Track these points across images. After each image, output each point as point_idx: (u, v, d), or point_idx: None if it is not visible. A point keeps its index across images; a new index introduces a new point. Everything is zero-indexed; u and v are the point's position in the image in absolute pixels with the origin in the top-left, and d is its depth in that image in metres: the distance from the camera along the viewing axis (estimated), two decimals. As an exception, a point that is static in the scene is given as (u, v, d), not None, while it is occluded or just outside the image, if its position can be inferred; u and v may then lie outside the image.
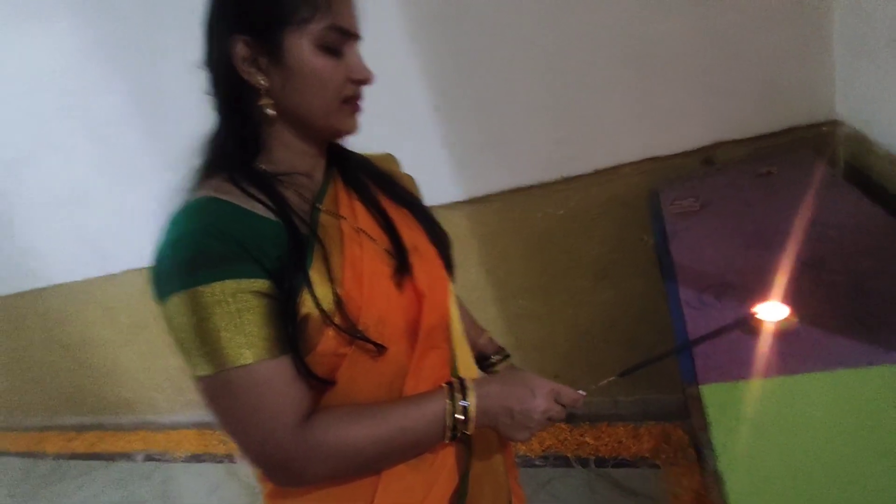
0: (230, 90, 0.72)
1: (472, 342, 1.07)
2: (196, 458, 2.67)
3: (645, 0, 1.44)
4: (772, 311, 0.86)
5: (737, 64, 1.45)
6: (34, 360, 3.17)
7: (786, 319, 0.84)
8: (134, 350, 2.78)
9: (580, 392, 0.77)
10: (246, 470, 2.45)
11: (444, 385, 0.73)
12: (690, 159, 1.57)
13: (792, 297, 0.91)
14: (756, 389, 0.81)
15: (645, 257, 1.71)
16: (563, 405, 0.76)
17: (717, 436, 0.86)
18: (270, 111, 0.71)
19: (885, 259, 0.93)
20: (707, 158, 1.56)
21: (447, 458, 0.79)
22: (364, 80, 0.73)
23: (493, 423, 0.73)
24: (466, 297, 1.97)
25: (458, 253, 1.96)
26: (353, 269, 0.71)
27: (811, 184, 1.26)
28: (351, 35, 0.71)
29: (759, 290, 0.95)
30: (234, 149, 0.73)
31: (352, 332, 0.68)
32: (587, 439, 1.96)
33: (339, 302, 0.68)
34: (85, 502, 2.65)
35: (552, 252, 1.80)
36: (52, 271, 2.73)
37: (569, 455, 1.93)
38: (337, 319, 0.67)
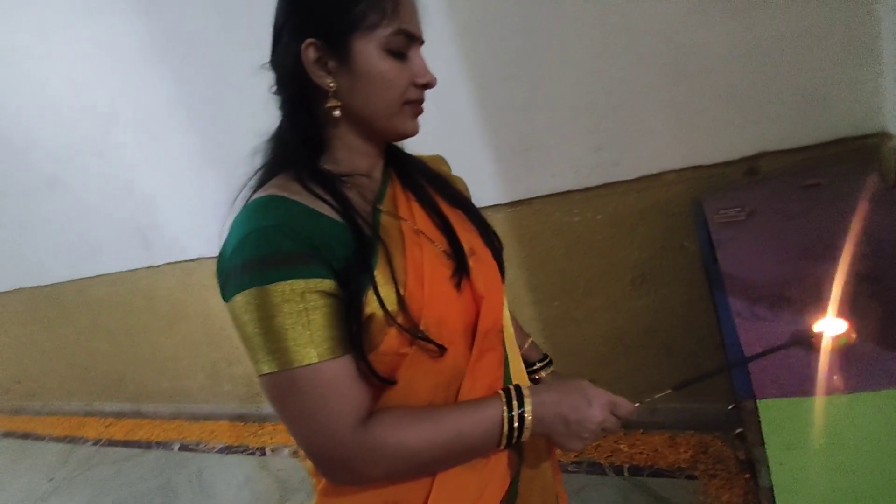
0: (298, 91, 0.73)
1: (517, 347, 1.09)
2: (229, 450, 2.73)
3: (689, 8, 1.43)
4: (830, 327, 0.85)
5: (781, 73, 1.43)
6: (79, 346, 3.27)
7: (844, 335, 0.83)
8: (173, 340, 2.85)
9: (635, 404, 0.78)
10: (277, 463, 2.50)
11: (500, 391, 0.74)
12: (733, 169, 1.55)
13: (849, 312, 0.89)
14: (814, 406, 0.80)
15: (684, 264, 1.69)
16: (618, 416, 0.76)
17: (773, 452, 0.85)
18: (337, 112, 0.72)
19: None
20: (751, 168, 1.54)
21: (500, 460, 0.80)
22: (427, 83, 0.75)
23: (547, 431, 0.74)
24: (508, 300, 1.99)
25: (498, 256, 1.97)
26: (414, 270, 0.72)
27: (861, 196, 1.24)
28: (415, 39, 0.73)
29: (813, 303, 0.94)
30: (300, 148, 0.75)
31: (414, 332, 0.69)
32: (622, 446, 1.95)
33: (402, 302, 0.69)
34: (122, 488, 2.73)
35: (591, 256, 1.80)
36: (101, 261, 2.81)
37: (602, 462, 1.93)
38: (400, 319, 0.68)
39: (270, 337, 0.64)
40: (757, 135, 1.51)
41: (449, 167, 1.01)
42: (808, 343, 0.85)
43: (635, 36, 1.50)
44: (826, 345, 0.83)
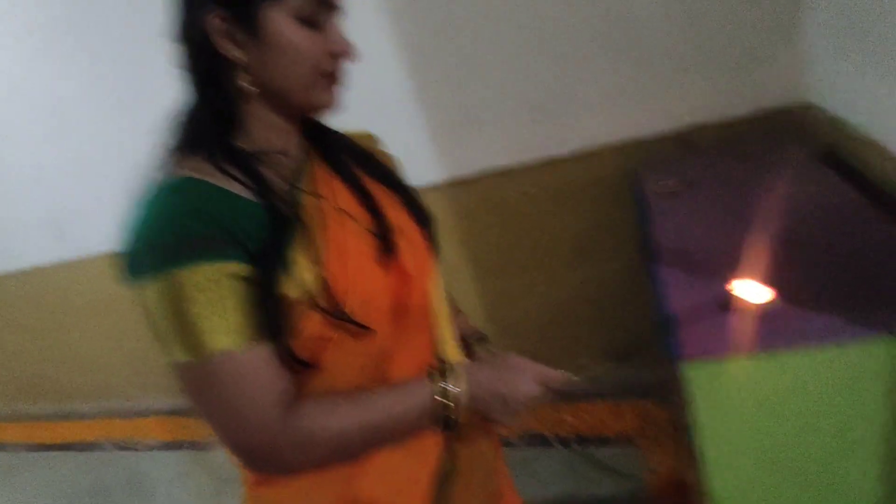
0: (206, 65, 0.68)
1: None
2: (163, 446, 2.62)
3: (625, -21, 1.43)
4: (753, 290, 0.86)
5: (714, 47, 1.47)
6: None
7: (766, 297, 0.85)
8: (93, 335, 2.69)
9: (570, 376, 0.77)
10: (213, 458, 2.42)
11: (433, 371, 0.72)
12: (669, 141, 1.58)
13: (772, 276, 0.92)
14: (737, 367, 0.82)
15: (622, 236, 1.72)
16: (550, 388, 0.75)
17: (699, 413, 0.87)
18: (249, 86, 0.68)
19: (860, 238, 0.95)
20: (686, 141, 1.57)
21: (434, 439, 0.78)
22: (344, 53, 0.70)
23: (482, 408, 0.73)
24: (443, 276, 1.96)
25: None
26: (336, 251, 0.68)
27: (786, 165, 1.29)
28: (332, 7, 0.68)
29: (740, 269, 0.96)
30: (211, 126, 0.70)
31: (338, 315, 0.66)
32: (567, 418, 1.98)
33: (323, 284, 0.65)
34: (50, 492, 2.57)
35: (530, 232, 1.80)
36: (12, 255, 2.61)
37: (547, 434, 1.95)
38: (322, 302, 0.65)
39: (183, 325, 0.60)
40: (692, 107, 1.54)
41: (379, 144, 0.97)
42: (731, 306, 0.87)
43: (572, 10, 1.49)
44: (749, 307, 0.85)
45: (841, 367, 0.79)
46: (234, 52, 0.65)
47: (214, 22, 0.64)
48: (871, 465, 0.85)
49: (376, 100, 1.68)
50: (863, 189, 1.20)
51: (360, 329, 0.68)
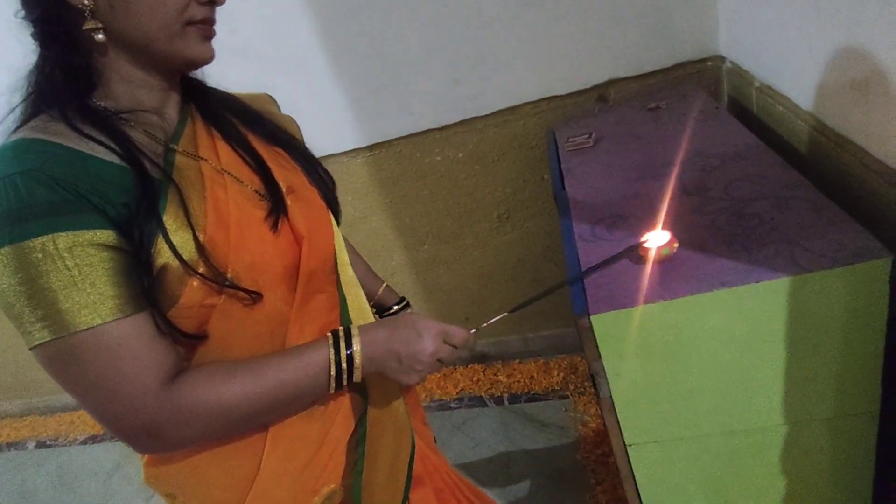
0: (47, 12, 0.61)
1: (370, 293, 1.03)
2: (93, 440, 2.50)
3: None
4: (656, 239, 0.87)
5: (625, 2, 1.45)
6: None
7: (668, 245, 0.86)
8: (10, 331, 2.50)
9: (471, 331, 0.75)
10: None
11: (328, 334, 0.69)
12: (586, 97, 1.58)
13: (676, 225, 0.93)
14: (642, 316, 0.83)
15: (545, 196, 1.72)
16: (453, 345, 0.74)
17: (608, 364, 0.88)
18: (99, 36, 0.60)
19: (762, 184, 0.97)
20: (601, 96, 1.57)
21: (341, 402, 0.76)
22: (210, 2, 0.64)
23: (380, 369, 0.71)
24: (371, 245, 1.93)
25: (361, 200, 1.89)
26: (216, 213, 0.64)
27: (695, 117, 1.30)
28: None
29: (647, 219, 0.97)
30: (63, 83, 0.63)
31: (219, 281, 0.62)
32: (500, 377, 2.01)
33: (201, 248, 0.61)
34: (-30, 498, 2.42)
35: (456, 196, 1.78)
36: None
37: (483, 395, 1.98)
38: (201, 268, 0.61)
39: (37, 301, 0.54)
40: (606, 63, 1.54)
41: (276, 106, 0.92)
42: (636, 255, 0.87)
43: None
44: (652, 256, 0.86)
45: (743, 308, 0.81)
46: None
47: None
48: (769, 401, 0.89)
49: (293, 65, 1.60)
50: (765, 137, 1.24)
51: (246, 294, 0.65)
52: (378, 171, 1.77)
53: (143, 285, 0.59)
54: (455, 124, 1.66)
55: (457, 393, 2.01)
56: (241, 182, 0.70)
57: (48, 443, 2.57)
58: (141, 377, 0.59)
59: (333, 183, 0.86)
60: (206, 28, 0.65)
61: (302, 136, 0.90)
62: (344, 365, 0.67)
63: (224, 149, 0.72)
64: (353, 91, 1.65)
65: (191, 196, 0.64)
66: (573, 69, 1.55)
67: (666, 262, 0.87)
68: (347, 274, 0.82)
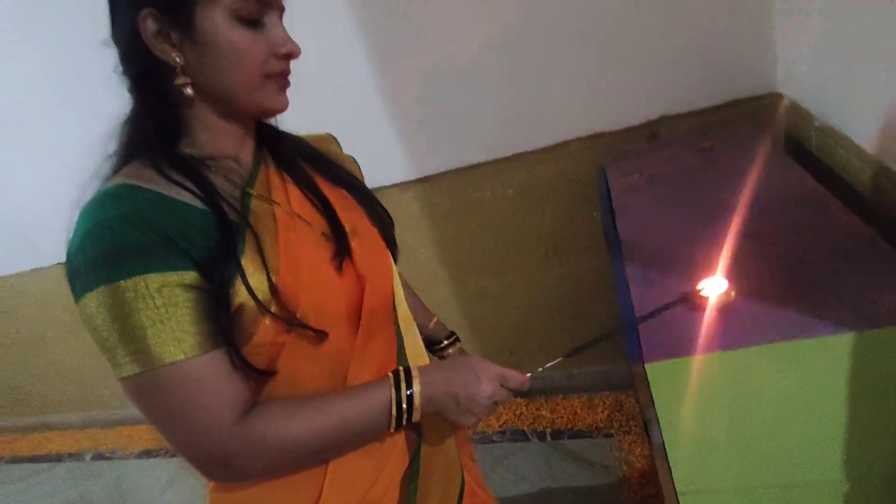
0: (143, 69, 0.66)
1: (421, 326, 1.06)
2: (148, 454, 2.60)
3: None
4: (713, 287, 0.86)
5: (678, 38, 1.46)
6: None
7: (726, 294, 0.85)
8: (74, 346, 2.65)
9: (526, 375, 0.77)
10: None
11: (389, 374, 0.72)
12: (636, 134, 1.58)
13: (733, 272, 0.92)
14: (698, 365, 0.82)
15: (594, 233, 1.72)
16: (509, 389, 0.75)
17: (662, 412, 0.87)
18: (188, 90, 0.66)
19: (821, 231, 0.95)
20: (653, 133, 1.57)
21: (397, 440, 0.78)
22: (289, 53, 0.69)
23: (439, 410, 0.73)
24: (418, 278, 1.95)
25: (410, 233, 1.93)
26: (288, 256, 0.68)
27: (751, 157, 1.29)
28: (270, 5, 0.67)
29: (702, 265, 0.96)
30: (154, 132, 0.68)
31: (289, 320, 0.66)
32: (543, 412, 1.99)
33: (274, 290, 0.65)
34: (34, 504, 2.55)
35: (503, 230, 1.80)
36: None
37: (525, 429, 1.96)
38: (273, 308, 0.65)
39: (128, 337, 0.59)
40: (657, 99, 1.54)
41: (339, 146, 0.97)
42: (692, 302, 0.87)
43: (536, 5, 1.47)
44: (709, 304, 0.85)
45: (799, 362, 0.79)
46: (169, 54, 0.64)
47: (147, 22, 0.63)
48: (828, 456, 0.86)
49: (348, 100, 1.68)
50: (825, 180, 1.21)
51: (313, 333, 0.68)
52: (427, 204, 1.81)
53: (222, 324, 0.63)
54: (503, 159, 1.69)
55: (500, 426, 2.01)
56: (310, 224, 0.74)
57: (106, 455, 2.69)
58: (217, 410, 0.62)
59: (392, 221, 0.90)
60: (282, 80, 0.70)
61: (362, 174, 0.94)
62: (405, 405, 0.70)
63: (294, 192, 0.76)
64: (404, 125, 1.71)
65: (265, 239, 0.68)
66: (623, 105, 1.56)
67: (723, 311, 0.86)
68: (404, 312, 0.85)
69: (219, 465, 0.65)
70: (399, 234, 1.98)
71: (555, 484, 1.74)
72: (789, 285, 0.86)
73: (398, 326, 0.81)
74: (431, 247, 1.87)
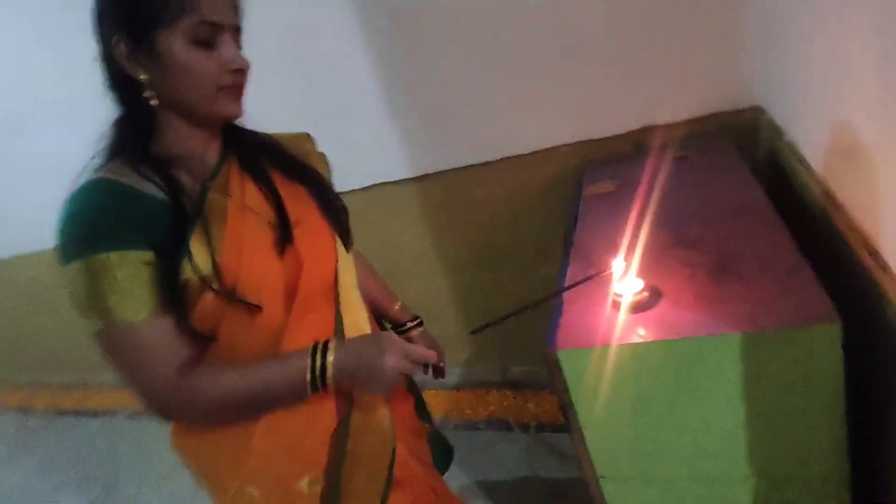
0: (119, 83, 0.80)
1: (385, 310, 1.17)
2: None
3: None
4: (630, 286, 0.94)
5: (665, 48, 1.49)
6: (24, 321, 3.31)
7: (640, 293, 0.93)
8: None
9: (431, 351, 0.87)
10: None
11: (311, 346, 0.83)
12: (622, 142, 1.63)
13: (661, 275, 0.99)
14: (607, 356, 0.89)
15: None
16: (414, 361, 0.85)
17: (577, 397, 0.95)
18: (153, 101, 0.79)
19: (751, 242, 1.00)
20: (638, 142, 1.62)
21: (325, 403, 0.88)
22: (238, 68, 0.80)
23: (350, 378, 0.83)
24: (416, 269, 2.07)
25: (410, 227, 2.03)
26: (232, 241, 0.80)
27: (715, 168, 1.33)
28: (222, 27, 0.78)
29: (628, 266, 1.02)
30: (131, 135, 0.82)
31: (227, 295, 0.78)
32: (530, 405, 2.07)
33: (216, 268, 0.77)
34: (70, 454, 2.83)
35: (495, 229, 1.88)
36: (30, 237, 2.83)
37: (511, 420, 2.05)
38: (215, 284, 0.77)
39: (97, 300, 0.73)
40: (642, 109, 1.59)
41: (314, 144, 1.07)
42: (615, 303, 0.94)
43: (525, 12, 1.54)
44: (625, 302, 0.93)
45: (695, 359, 0.86)
46: (137, 72, 0.77)
47: (119, 46, 0.76)
48: (732, 453, 0.92)
49: (351, 102, 1.80)
50: (782, 192, 1.24)
51: (249, 306, 0.80)
52: (426, 201, 1.92)
53: (171, 294, 0.76)
54: (494, 161, 1.77)
55: (487, 415, 2.10)
56: (258, 214, 0.85)
57: (134, 414, 2.94)
58: (162, 364, 0.76)
59: (346, 211, 1.01)
60: (235, 91, 0.82)
61: (330, 171, 1.05)
62: (318, 373, 0.80)
63: (250, 186, 0.88)
64: (404, 125, 1.82)
65: (214, 226, 0.80)
66: (608, 113, 1.61)
67: (642, 310, 0.93)
68: (350, 296, 0.95)
69: (163, 410, 0.78)
70: (397, 226, 2.09)
71: (530, 474, 1.82)
72: (706, 290, 0.92)
73: (338, 305, 0.92)
74: (430, 240, 1.98)
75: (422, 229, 1.97)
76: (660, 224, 1.16)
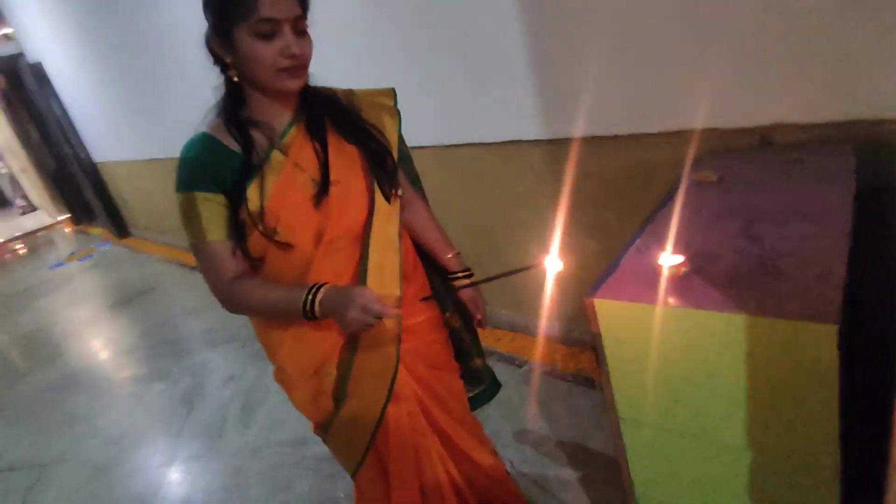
0: (217, 63, 1.06)
1: (437, 256, 1.37)
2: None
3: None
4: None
5: (809, 46, 1.44)
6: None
7: (678, 266, 1.05)
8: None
9: (389, 308, 1.03)
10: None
11: (310, 285, 1.06)
12: (748, 135, 1.62)
13: (708, 256, 1.07)
14: (636, 312, 1.03)
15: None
16: (374, 314, 1.02)
17: (607, 342, 1.10)
18: (235, 78, 1.05)
19: (802, 245, 1.03)
20: (764, 138, 1.61)
21: (332, 330, 1.16)
22: (291, 55, 0.99)
23: (329, 316, 1.06)
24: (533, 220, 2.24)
25: (533, 185, 2.21)
26: (279, 192, 1.06)
27: (824, 175, 1.29)
28: (278, 22, 0.96)
29: (687, 248, 1.12)
30: (228, 100, 1.08)
31: (268, 233, 1.05)
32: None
33: (262, 213, 1.04)
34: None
35: (613, 200, 2.01)
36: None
37: (594, 378, 2.22)
38: (259, 224, 1.05)
39: (188, 223, 1.07)
40: (773, 105, 1.55)
41: (393, 99, 1.24)
42: (653, 269, 1.08)
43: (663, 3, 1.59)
44: (665, 272, 1.06)
45: (702, 331, 0.96)
46: (224, 56, 1.05)
47: (213, 37, 1.05)
48: (734, 425, 1.01)
49: (500, 65, 2.01)
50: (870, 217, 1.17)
51: (285, 244, 1.08)
52: (552, 164, 2.09)
53: (234, 227, 1.05)
54: (624, 136, 1.87)
55: (575, 369, 2.28)
56: (305, 172, 1.08)
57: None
58: (221, 272, 1.07)
59: (394, 172, 1.18)
60: (292, 71, 1.01)
61: (397, 127, 1.22)
62: (308, 306, 1.05)
63: (307, 148, 1.09)
64: (545, 92, 1.99)
65: (269, 179, 1.05)
66: (739, 105, 1.60)
67: (677, 282, 1.05)
68: (379, 245, 1.13)
69: (221, 303, 1.11)
70: (524, 184, 2.26)
71: (600, 433, 1.96)
72: (742, 277, 0.99)
73: (367, 248, 1.12)
74: (548, 200, 2.17)
75: (544, 190, 2.16)
76: (734, 216, 1.21)
